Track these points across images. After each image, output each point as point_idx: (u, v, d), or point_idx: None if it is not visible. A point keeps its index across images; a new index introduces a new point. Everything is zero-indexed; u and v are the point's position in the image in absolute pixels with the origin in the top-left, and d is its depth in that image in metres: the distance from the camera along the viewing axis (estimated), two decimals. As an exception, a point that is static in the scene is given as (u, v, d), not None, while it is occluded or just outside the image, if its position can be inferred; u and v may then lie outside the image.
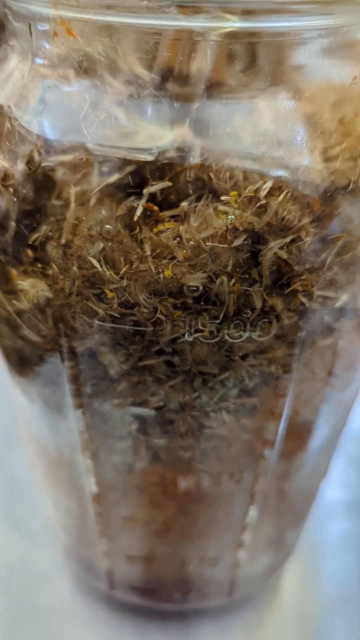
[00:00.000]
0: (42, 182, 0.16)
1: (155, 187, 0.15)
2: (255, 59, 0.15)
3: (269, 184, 0.15)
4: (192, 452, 0.21)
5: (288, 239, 0.16)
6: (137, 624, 0.32)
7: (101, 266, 0.16)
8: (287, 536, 0.29)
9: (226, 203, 0.15)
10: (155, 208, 0.15)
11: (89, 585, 0.33)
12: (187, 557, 0.26)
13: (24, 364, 0.21)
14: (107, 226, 0.15)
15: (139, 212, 0.15)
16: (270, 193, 0.15)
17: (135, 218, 0.15)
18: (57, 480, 0.26)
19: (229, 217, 0.15)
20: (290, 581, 0.34)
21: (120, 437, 0.21)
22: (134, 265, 0.16)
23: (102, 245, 0.16)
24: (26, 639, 0.31)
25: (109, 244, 0.16)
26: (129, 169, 0.15)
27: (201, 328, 0.17)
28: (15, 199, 0.16)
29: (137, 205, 0.15)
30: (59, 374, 0.20)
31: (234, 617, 0.32)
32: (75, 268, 0.16)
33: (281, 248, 0.16)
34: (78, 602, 0.33)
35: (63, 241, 0.16)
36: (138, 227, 0.15)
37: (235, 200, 0.15)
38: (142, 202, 0.15)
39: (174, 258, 0.16)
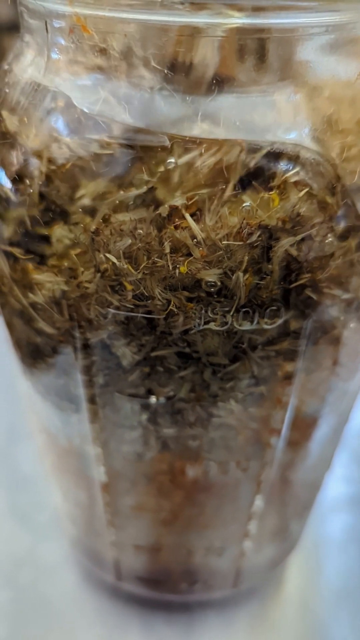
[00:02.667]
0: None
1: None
2: (264, 55, 0.15)
3: (287, 179, 0.16)
4: (201, 441, 0.21)
5: (299, 237, 0.16)
6: (142, 615, 0.32)
7: (120, 260, 0.16)
8: (291, 527, 0.30)
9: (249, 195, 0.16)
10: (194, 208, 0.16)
11: (96, 577, 0.33)
12: (194, 547, 0.27)
13: (37, 356, 0.22)
14: (140, 230, 0.16)
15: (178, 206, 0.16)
16: (288, 188, 0.16)
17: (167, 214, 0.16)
18: (66, 470, 0.26)
19: (244, 206, 0.16)
20: (294, 574, 0.34)
21: (130, 427, 0.21)
22: (151, 260, 0.16)
23: (129, 241, 0.16)
24: (32, 630, 0.31)
25: (137, 242, 0.16)
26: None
27: (211, 316, 0.17)
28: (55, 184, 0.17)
29: (179, 204, 0.16)
30: (72, 365, 0.20)
31: (239, 609, 0.32)
32: (101, 255, 0.17)
33: (292, 245, 0.16)
34: (84, 594, 0.33)
35: (93, 227, 0.16)
36: (165, 227, 0.16)
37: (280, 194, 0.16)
38: (181, 201, 0.16)
39: (190, 254, 0.16)
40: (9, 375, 0.45)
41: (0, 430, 0.43)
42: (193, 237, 0.16)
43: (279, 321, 0.18)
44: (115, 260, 0.16)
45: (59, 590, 0.33)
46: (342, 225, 0.17)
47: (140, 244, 0.16)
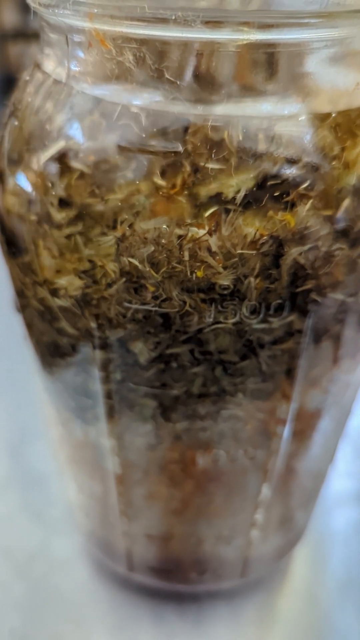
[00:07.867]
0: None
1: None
2: (270, 67, 0.17)
3: (297, 190, 0.17)
4: (211, 432, 0.22)
5: (306, 247, 0.17)
6: (153, 606, 0.33)
7: (142, 265, 0.18)
8: (297, 517, 0.30)
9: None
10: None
11: (107, 569, 0.34)
12: (203, 536, 0.28)
13: (56, 354, 0.22)
14: (164, 227, 0.17)
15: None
16: (297, 199, 0.17)
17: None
18: (81, 462, 0.27)
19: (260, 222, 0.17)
20: (300, 566, 0.35)
21: (144, 420, 0.23)
22: (170, 265, 0.18)
23: (152, 248, 0.17)
24: (45, 621, 0.32)
25: (159, 249, 0.17)
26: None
27: (222, 310, 0.19)
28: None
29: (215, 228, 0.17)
30: (90, 362, 0.21)
31: (246, 599, 0.33)
32: (125, 259, 0.18)
33: (300, 254, 0.17)
34: (96, 586, 0.34)
35: (119, 234, 0.18)
36: (185, 238, 0.17)
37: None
38: (211, 209, 0.17)
39: (206, 261, 0.17)
40: (21, 377, 0.46)
41: (13, 429, 0.44)
42: (209, 248, 0.17)
43: (284, 316, 0.19)
44: (138, 264, 0.18)
45: (71, 582, 0.34)
46: (347, 234, 0.18)
47: (162, 251, 0.17)
